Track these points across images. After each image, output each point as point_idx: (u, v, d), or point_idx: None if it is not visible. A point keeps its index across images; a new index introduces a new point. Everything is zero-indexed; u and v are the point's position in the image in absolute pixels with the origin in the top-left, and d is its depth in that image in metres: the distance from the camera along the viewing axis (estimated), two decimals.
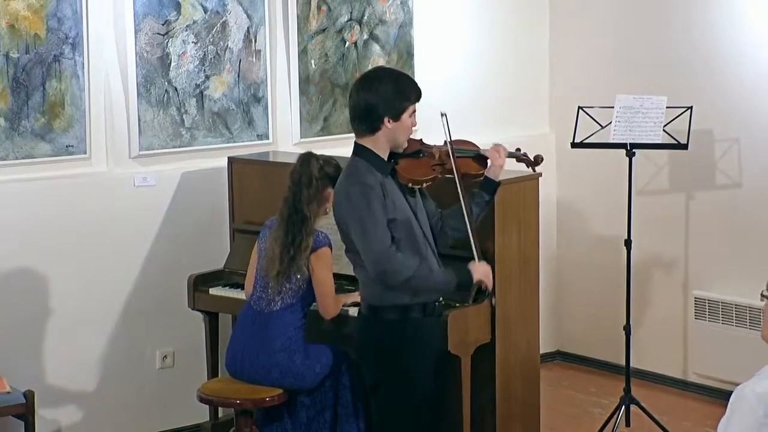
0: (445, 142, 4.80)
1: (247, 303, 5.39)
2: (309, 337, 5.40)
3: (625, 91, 6.35)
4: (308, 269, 5.21)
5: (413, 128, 4.71)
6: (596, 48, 7.25)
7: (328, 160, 5.33)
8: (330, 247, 5.26)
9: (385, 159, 4.66)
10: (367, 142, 4.64)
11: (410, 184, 4.69)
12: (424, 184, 4.74)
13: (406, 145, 4.71)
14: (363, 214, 4.51)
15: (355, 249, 4.60)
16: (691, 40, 6.76)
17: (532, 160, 5.08)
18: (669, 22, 6.87)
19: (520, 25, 7.37)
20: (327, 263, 5.24)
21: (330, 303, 5.25)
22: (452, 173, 4.75)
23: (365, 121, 4.62)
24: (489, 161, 4.90)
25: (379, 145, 4.63)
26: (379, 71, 4.87)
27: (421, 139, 4.86)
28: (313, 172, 5.26)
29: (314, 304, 5.31)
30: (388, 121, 4.59)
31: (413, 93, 4.66)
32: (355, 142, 4.68)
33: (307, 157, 5.32)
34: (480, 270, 4.66)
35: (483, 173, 4.88)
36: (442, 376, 4.83)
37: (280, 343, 5.23)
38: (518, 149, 5.08)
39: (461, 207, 4.72)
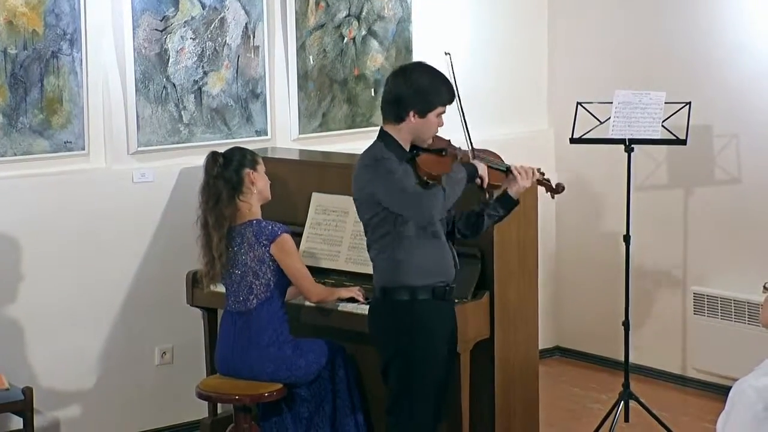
0: (468, 141, 4.82)
1: (225, 307, 5.40)
2: (306, 333, 5.40)
3: (623, 86, 6.35)
4: (272, 260, 5.22)
5: (438, 127, 4.71)
6: (595, 44, 7.25)
7: (235, 150, 5.39)
8: (288, 233, 5.27)
9: (406, 149, 4.67)
10: (391, 130, 4.66)
11: (425, 178, 4.68)
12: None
13: (429, 142, 4.72)
14: (387, 175, 4.54)
15: (375, 224, 4.62)
16: (689, 35, 6.76)
17: (554, 187, 4.99)
18: (668, 17, 6.86)
19: (518, 21, 7.37)
20: (290, 250, 5.25)
21: (308, 285, 5.27)
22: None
23: (393, 108, 4.64)
24: (515, 177, 4.82)
25: (402, 135, 4.65)
26: (420, 65, 4.84)
27: (449, 140, 4.81)
28: (210, 173, 5.34)
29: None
30: (414, 115, 4.62)
31: (446, 95, 4.68)
32: (381, 127, 4.71)
33: (205, 159, 5.39)
34: (482, 165, 4.74)
35: (500, 185, 4.84)
36: (453, 362, 4.83)
37: (267, 337, 5.23)
38: (539, 170, 4.95)
39: (472, 213, 4.81)
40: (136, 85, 6.03)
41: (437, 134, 4.75)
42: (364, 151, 4.71)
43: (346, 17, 6.64)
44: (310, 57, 6.53)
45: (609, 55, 7.16)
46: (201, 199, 5.34)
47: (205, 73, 6.24)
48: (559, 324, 7.55)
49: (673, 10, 6.84)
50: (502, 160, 4.90)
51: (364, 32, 6.71)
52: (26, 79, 5.78)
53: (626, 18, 7.08)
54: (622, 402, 6.13)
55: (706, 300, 6.72)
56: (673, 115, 6.10)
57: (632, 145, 6.07)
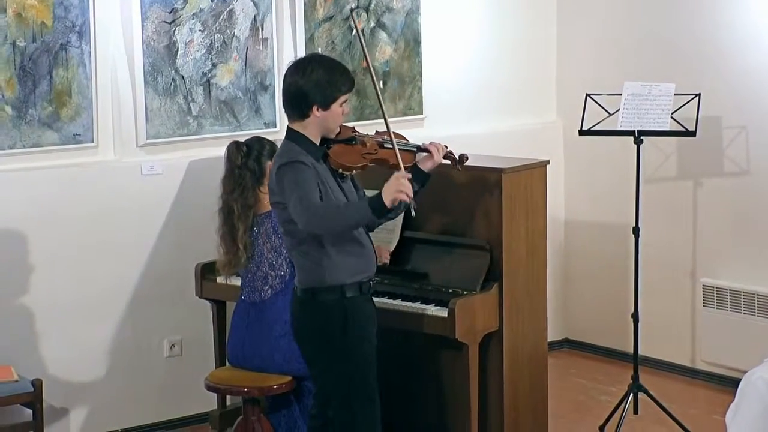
0: (376, 132, 4.87)
1: (239, 296, 5.40)
2: None
3: (632, 78, 6.34)
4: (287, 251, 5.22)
5: (344, 116, 4.71)
6: (604, 35, 7.24)
7: (257, 140, 5.38)
8: None
9: (317, 144, 4.68)
10: (298, 127, 4.66)
11: (340, 170, 4.72)
12: (354, 171, 4.77)
13: (337, 131, 4.73)
14: (297, 184, 4.50)
15: (292, 230, 4.60)
16: (699, 27, 6.74)
17: (457, 158, 5.00)
18: (677, 9, 6.85)
19: (527, 13, 7.35)
20: None
21: None
22: (381, 164, 4.78)
23: (295, 107, 4.64)
24: (430, 154, 4.85)
25: (309, 130, 4.65)
26: (312, 58, 4.85)
27: (353, 127, 4.86)
28: (233, 161, 5.31)
29: None
30: (317, 110, 4.61)
31: (345, 84, 4.66)
32: (288, 126, 4.70)
33: (227, 149, 5.36)
34: (390, 189, 4.50)
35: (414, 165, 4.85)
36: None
37: (279, 328, 5.23)
38: (445, 146, 4.96)
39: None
40: (144, 78, 6.04)
41: (342, 123, 4.76)
42: (280, 152, 4.67)
43: (354, 9, 6.63)
44: (319, 49, 6.52)
45: (618, 46, 7.15)
46: (224, 188, 5.32)
47: (214, 66, 6.24)
48: (568, 316, 7.55)
49: (682, 2, 6.82)
50: (407, 140, 4.91)
51: (372, 24, 6.71)
52: (35, 71, 5.78)
53: (635, 9, 7.06)
54: (631, 394, 6.13)
55: (715, 292, 6.71)
56: (682, 106, 6.09)
57: (641, 137, 6.06)
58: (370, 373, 4.73)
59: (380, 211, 4.51)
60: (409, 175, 4.59)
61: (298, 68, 4.65)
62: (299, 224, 4.52)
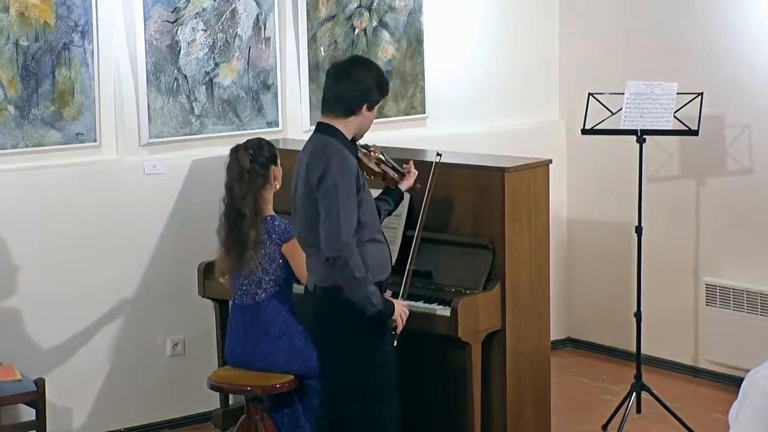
0: (374, 145, 5.02)
1: (232, 300, 5.38)
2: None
3: (635, 77, 6.33)
4: (282, 258, 5.20)
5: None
6: (607, 34, 7.24)
7: (259, 144, 5.33)
8: None
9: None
10: (338, 124, 4.69)
11: (365, 172, 4.83)
12: (371, 177, 4.90)
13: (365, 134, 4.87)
14: (342, 195, 4.56)
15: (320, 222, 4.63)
16: (702, 25, 6.74)
17: (419, 185, 5.15)
18: (680, 7, 6.85)
19: (529, 12, 7.36)
20: (300, 252, 5.20)
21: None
22: (381, 177, 5.00)
23: (345, 103, 4.68)
24: (407, 176, 5.09)
25: (348, 129, 4.71)
26: (362, 60, 4.95)
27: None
28: (243, 164, 5.24)
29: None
30: (366, 109, 4.69)
31: (387, 87, 4.81)
32: (321, 122, 4.72)
33: (234, 150, 5.31)
34: (398, 308, 4.76)
35: (397, 185, 5.08)
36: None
37: (277, 329, 5.22)
38: (416, 172, 5.17)
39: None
40: (147, 77, 6.04)
41: None
42: (328, 141, 4.66)
43: (357, 8, 6.63)
44: (321, 48, 6.53)
45: (621, 45, 7.15)
46: (234, 192, 5.22)
47: (217, 65, 6.24)
48: (570, 315, 7.55)
49: (685, 1, 6.82)
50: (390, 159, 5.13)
51: (375, 23, 6.71)
52: (38, 70, 5.79)
53: (638, 8, 7.06)
54: (634, 393, 6.13)
55: (718, 291, 6.71)
56: (685, 105, 6.09)
57: (644, 136, 6.06)
58: (390, 372, 4.77)
59: (382, 318, 4.70)
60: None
61: (353, 67, 4.73)
62: (324, 244, 4.58)
